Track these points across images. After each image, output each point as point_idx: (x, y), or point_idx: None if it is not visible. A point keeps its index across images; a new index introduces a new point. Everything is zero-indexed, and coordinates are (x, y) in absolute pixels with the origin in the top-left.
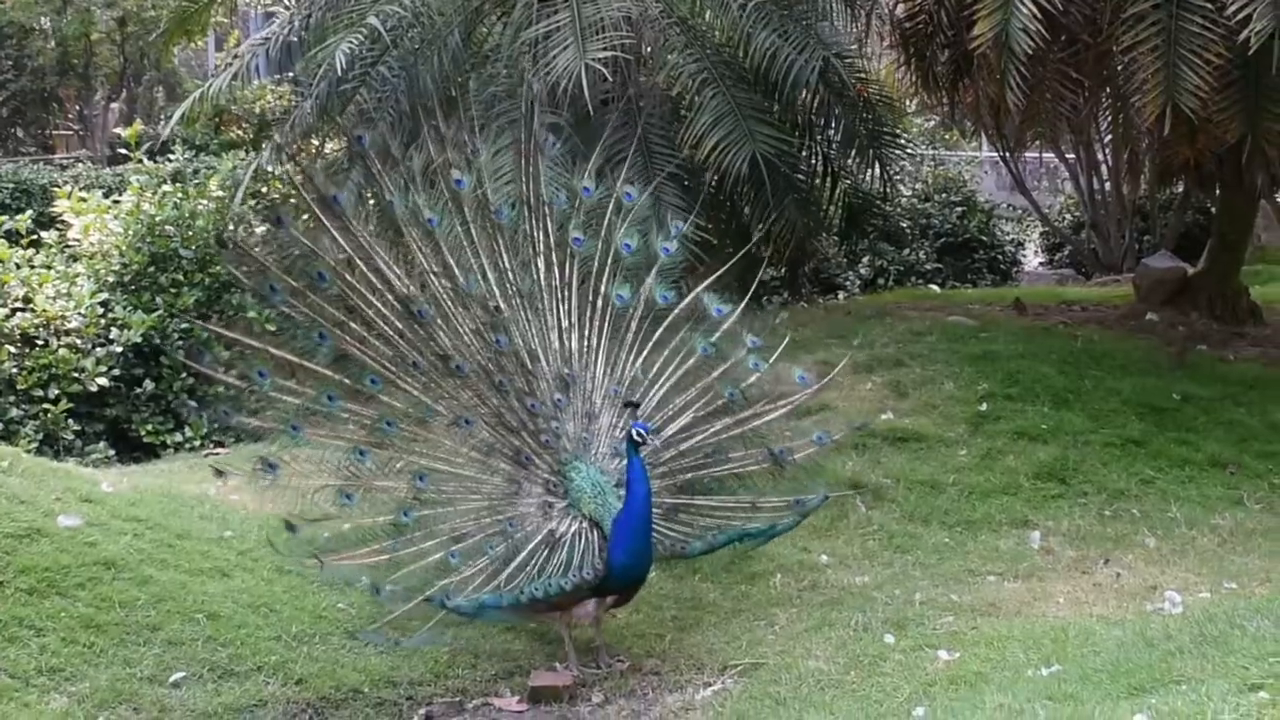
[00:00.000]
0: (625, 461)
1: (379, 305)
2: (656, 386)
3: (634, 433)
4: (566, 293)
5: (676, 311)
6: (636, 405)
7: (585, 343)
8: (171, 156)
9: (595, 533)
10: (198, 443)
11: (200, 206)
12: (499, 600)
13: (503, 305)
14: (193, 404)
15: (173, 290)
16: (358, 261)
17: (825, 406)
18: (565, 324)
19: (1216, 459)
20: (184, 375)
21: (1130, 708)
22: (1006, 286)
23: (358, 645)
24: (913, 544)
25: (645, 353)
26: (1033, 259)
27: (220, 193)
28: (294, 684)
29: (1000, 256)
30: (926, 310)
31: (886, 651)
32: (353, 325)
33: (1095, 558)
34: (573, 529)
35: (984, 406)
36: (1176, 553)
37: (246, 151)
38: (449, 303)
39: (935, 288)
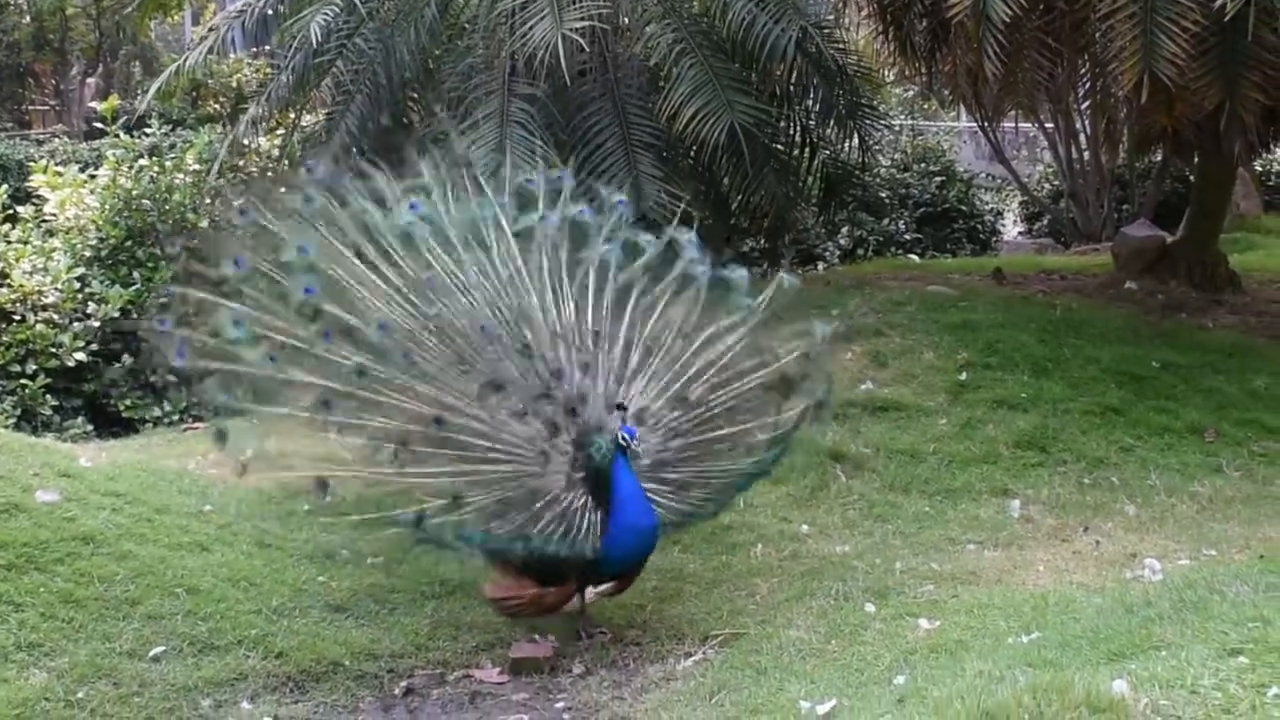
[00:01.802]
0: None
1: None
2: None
3: (620, 436)
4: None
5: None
6: (625, 408)
7: (597, 325)
8: (148, 131)
9: (599, 514)
10: (176, 417)
11: (176, 180)
12: (485, 539)
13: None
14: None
15: (150, 265)
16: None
17: (806, 376)
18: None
19: (1196, 426)
20: None
21: (1110, 673)
22: (986, 256)
23: (338, 618)
24: (893, 513)
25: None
26: (1012, 228)
27: (197, 167)
28: (274, 657)
29: (979, 226)
30: (906, 280)
31: (867, 620)
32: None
33: (1075, 526)
34: (580, 502)
35: (963, 375)
36: (1156, 520)
37: (223, 125)
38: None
39: (914, 257)
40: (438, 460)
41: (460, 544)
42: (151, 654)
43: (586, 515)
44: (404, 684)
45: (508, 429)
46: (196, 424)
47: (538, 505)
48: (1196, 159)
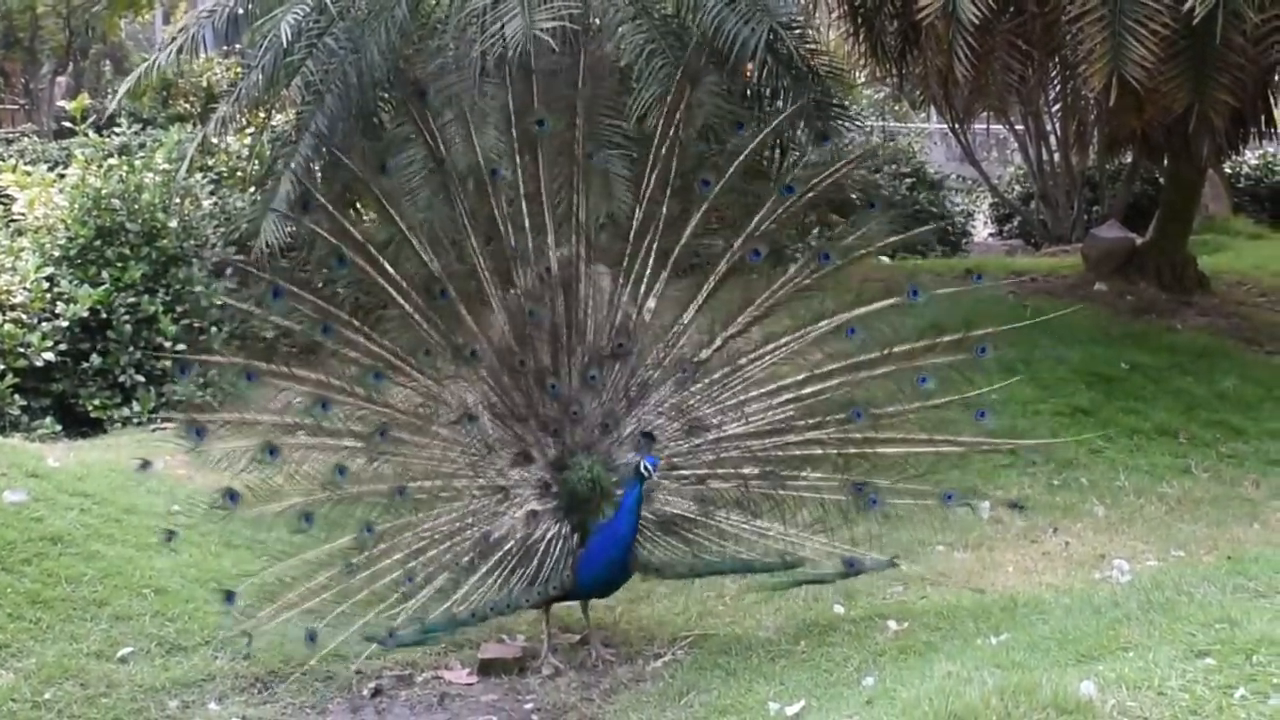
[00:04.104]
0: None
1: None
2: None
3: (643, 466)
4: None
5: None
6: (653, 438)
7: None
8: (117, 130)
9: (575, 538)
10: (145, 417)
11: (146, 180)
12: (448, 625)
13: (554, 266)
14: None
15: (119, 264)
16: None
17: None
18: (631, 285)
19: (1165, 428)
20: (131, 349)
21: (1078, 675)
22: (956, 257)
23: (306, 619)
24: (861, 514)
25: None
26: (982, 230)
27: (166, 166)
28: (242, 658)
29: (950, 227)
30: (876, 281)
31: (836, 621)
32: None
33: (1044, 527)
34: (549, 534)
35: None
36: (1125, 521)
37: (194, 125)
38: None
39: (885, 259)
40: (397, 548)
41: (431, 636)
42: (119, 655)
43: (558, 545)
44: (372, 685)
45: (461, 478)
46: (166, 424)
47: (497, 555)
48: (1166, 161)
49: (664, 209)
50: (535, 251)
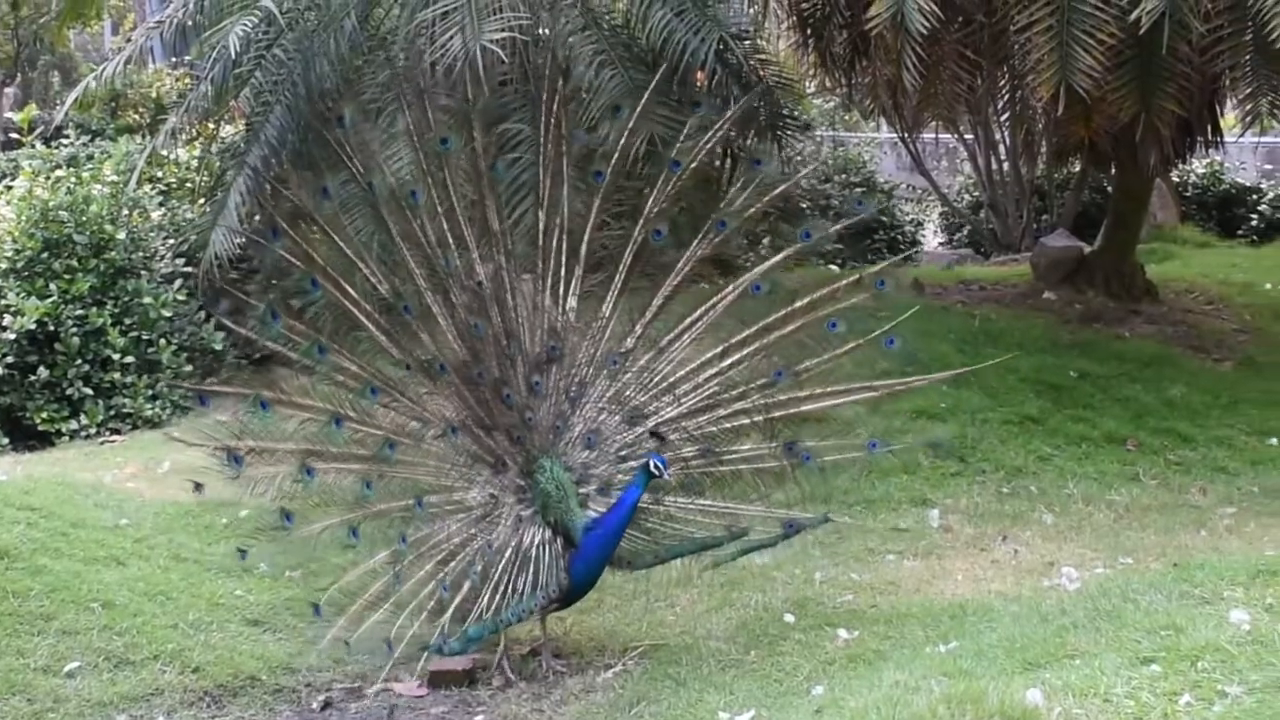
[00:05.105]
0: (594, 454)
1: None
2: (673, 351)
3: (652, 465)
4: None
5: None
6: (663, 438)
7: (582, 306)
8: (65, 141)
9: (558, 542)
10: (93, 430)
11: (94, 191)
12: (481, 631)
13: (484, 279)
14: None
15: (66, 276)
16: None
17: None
18: (550, 287)
19: (1113, 435)
20: (79, 362)
21: (1024, 683)
22: (906, 266)
23: (255, 632)
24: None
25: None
26: (932, 239)
27: (115, 177)
28: (191, 672)
29: (900, 237)
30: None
31: (786, 631)
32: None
33: (993, 535)
34: (537, 539)
35: None
36: (1073, 529)
37: (143, 136)
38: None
39: (835, 268)
40: (425, 559)
41: (471, 644)
42: (66, 669)
43: (546, 549)
44: (322, 698)
45: (458, 490)
46: (114, 437)
47: (501, 562)
48: (1114, 170)
49: (564, 207)
50: (465, 267)
